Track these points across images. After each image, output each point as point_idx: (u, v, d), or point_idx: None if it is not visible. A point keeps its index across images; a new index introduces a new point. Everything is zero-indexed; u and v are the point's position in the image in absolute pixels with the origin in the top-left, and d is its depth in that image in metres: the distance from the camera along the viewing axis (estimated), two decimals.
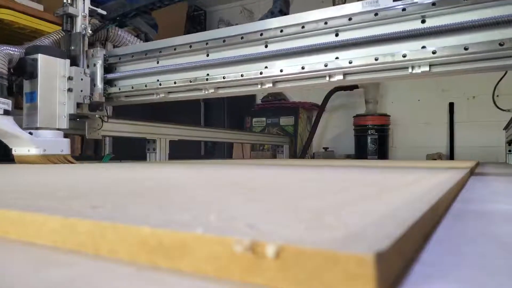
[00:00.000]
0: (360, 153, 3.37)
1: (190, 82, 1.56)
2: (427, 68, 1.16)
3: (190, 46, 1.56)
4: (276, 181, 0.65)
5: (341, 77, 1.29)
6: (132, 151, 2.60)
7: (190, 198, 0.41)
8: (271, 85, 1.43)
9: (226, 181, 0.67)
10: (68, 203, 0.37)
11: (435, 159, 3.15)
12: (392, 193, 0.44)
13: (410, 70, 1.18)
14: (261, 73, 1.41)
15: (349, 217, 0.29)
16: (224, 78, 1.48)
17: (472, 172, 1.10)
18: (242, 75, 1.44)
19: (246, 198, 0.42)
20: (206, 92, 1.56)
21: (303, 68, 1.33)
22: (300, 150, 3.65)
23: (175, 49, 1.61)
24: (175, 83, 1.61)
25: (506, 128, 2.74)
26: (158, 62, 1.69)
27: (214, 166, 1.28)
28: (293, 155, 3.63)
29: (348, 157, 3.57)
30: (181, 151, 2.37)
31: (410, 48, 1.17)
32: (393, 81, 3.65)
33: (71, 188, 0.52)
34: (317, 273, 0.19)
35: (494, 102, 2.57)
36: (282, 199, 0.41)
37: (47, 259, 0.25)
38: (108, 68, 1.83)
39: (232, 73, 1.47)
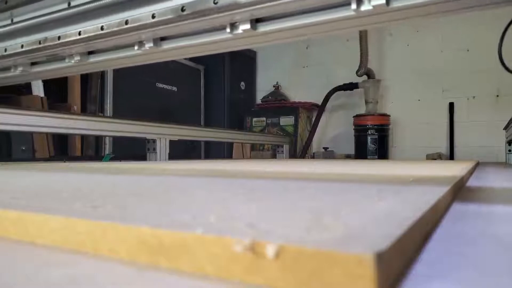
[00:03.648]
0: (360, 153, 3.37)
1: (40, 44, 1.15)
2: (382, 0, 0.72)
3: None
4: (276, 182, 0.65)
5: (247, 26, 0.87)
6: (132, 151, 2.60)
7: (190, 198, 0.41)
8: (151, 44, 1.02)
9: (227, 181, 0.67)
10: (68, 203, 0.37)
11: (435, 159, 3.16)
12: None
13: (354, 5, 0.75)
14: (126, 22, 0.97)
15: (349, 217, 0.29)
16: (80, 34, 1.06)
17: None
18: (102, 28, 1.02)
19: (246, 198, 0.42)
20: (72, 62, 1.18)
21: (183, 9, 0.87)
22: (300, 150, 3.65)
23: None
24: (22, 47, 1.18)
25: (506, 128, 2.74)
26: (12, 21, 1.22)
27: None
28: (293, 155, 3.63)
29: (348, 157, 3.57)
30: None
31: None
32: (395, 83, 3.65)
33: (72, 188, 0.52)
34: (317, 273, 0.19)
35: (501, 60, 2.22)
36: (282, 199, 0.41)
37: (47, 259, 0.25)
38: None
39: (90, 26, 1.06)
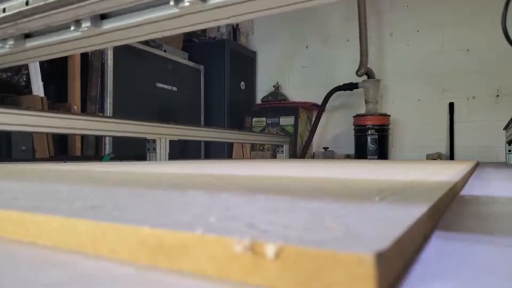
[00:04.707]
0: (360, 153, 3.37)
1: None
2: None
3: None
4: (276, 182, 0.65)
5: None
6: (132, 151, 2.60)
7: (190, 198, 0.41)
8: (89, 24, 0.91)
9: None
10: (68, 203, 0.37)
11: (435, 159, 3.15)
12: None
13: None
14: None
15: (349, 217, 0.29)
16: (4, 11, 0.93)
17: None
18: (27, 3, 0.88)
19: (246, 199, 0.42)
20: (7, 47, 1.08)
21: None
22: (300, 150, 3.65)
23: None
24: None
25: (506, 128, 2.74)
26: None
27: None
28: (293, 155, 3.63)
29: (348, 157, 3.57)
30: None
31: None
32: (395, 83, 3.64)
33: (72, 188, 0.52)
34: (317, 273, 0.19)
35: (506, 33, 2.13)
36: (282, 199, 0.41)
37: (47, 259, 0.25)
38: None
39: (14, 2, 0.91)
